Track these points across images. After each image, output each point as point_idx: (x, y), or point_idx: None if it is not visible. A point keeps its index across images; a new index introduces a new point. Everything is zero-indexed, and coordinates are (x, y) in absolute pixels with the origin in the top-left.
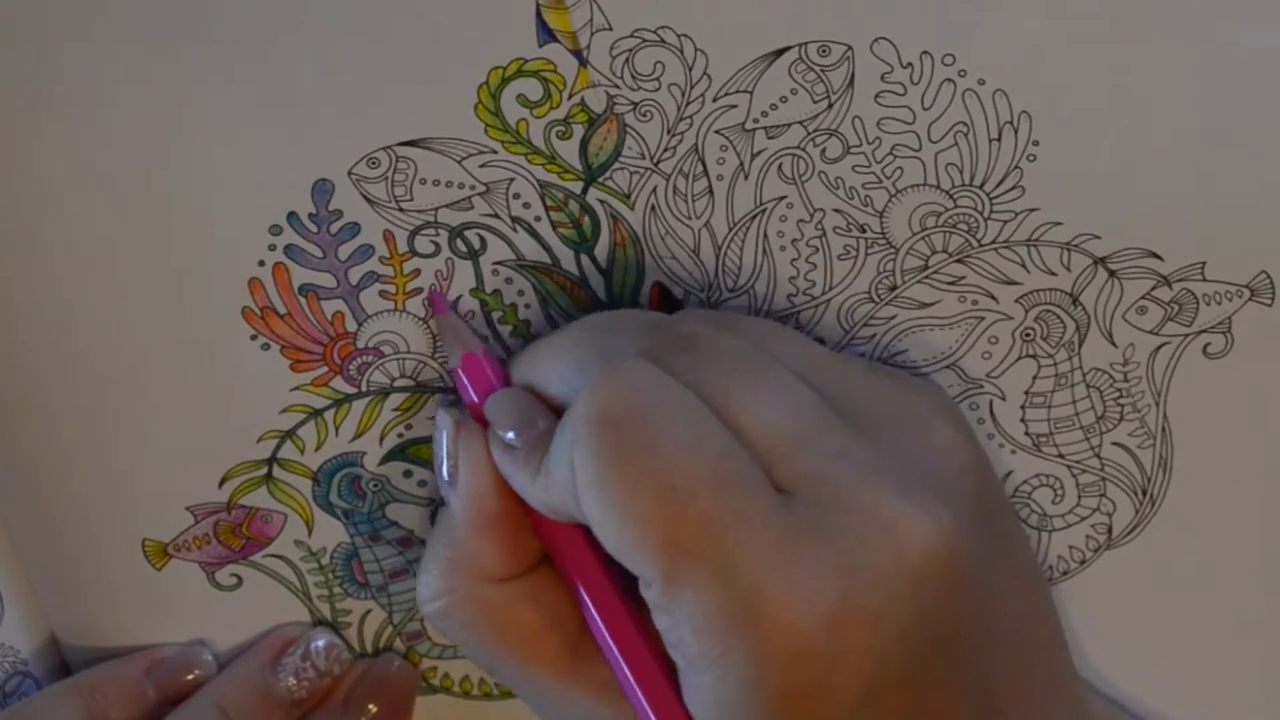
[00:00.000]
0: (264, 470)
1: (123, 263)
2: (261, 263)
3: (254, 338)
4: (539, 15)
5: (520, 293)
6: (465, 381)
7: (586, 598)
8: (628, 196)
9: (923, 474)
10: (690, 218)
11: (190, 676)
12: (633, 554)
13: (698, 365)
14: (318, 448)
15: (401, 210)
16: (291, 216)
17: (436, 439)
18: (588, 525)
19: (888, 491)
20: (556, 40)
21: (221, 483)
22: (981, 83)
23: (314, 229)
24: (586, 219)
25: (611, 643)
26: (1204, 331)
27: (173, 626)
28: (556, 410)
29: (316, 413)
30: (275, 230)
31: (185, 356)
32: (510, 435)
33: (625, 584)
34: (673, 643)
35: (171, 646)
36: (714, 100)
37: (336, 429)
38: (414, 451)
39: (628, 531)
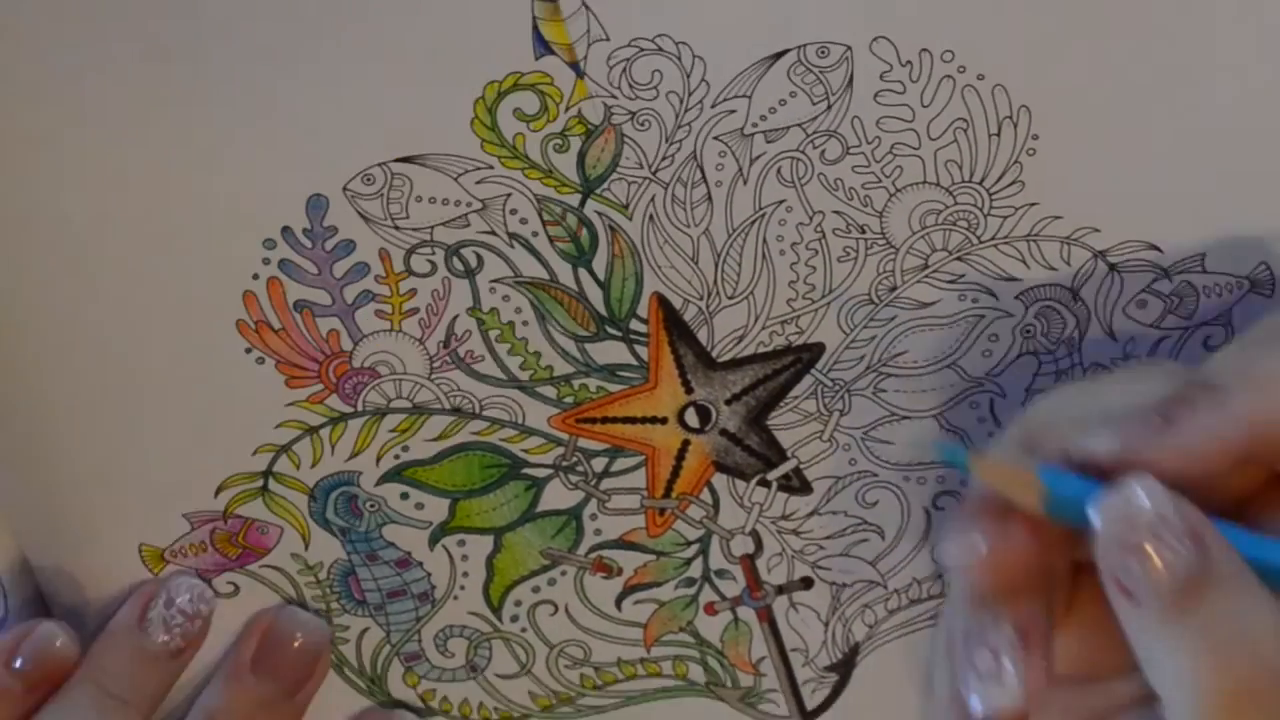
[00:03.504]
0: (259, 483)
1: (118, 272)
2: (256, 276)
3: (248, 351)
4: (535, 28)
5: (517, 310)
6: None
7: None
8: (626, 207)
9: None
10: (689, 225)
11: (54, 661)
12: None
13: None
14: (314, 464)
15: (397, 228)
16: (286, 231)
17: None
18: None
19: None
20: (553, 53)
21: (217, 492)
22: (981, 78)
23: (308, 244)
24: (584, 232)
25: None
26: (1204, 324)
27: None
28: None
29: (312, 430)
30: (269, 244)
31: (180, 366)
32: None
33: None
34: None
35: (20, 629)
36: (712, 106)
37: (333, 447)
38: (411, 474)
39: None
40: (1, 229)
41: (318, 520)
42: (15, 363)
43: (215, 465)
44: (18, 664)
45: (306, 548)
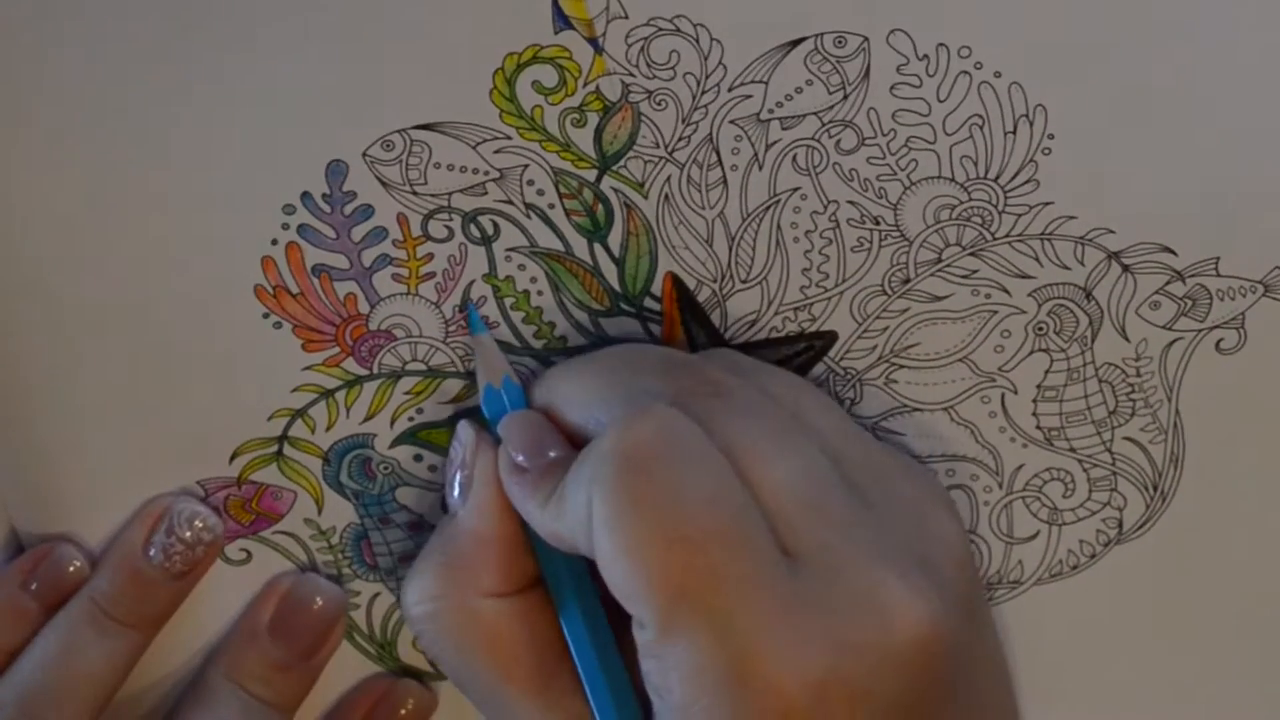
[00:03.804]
0: (274, 448)
1: (136, 239)
2: (274, 241)
3: (266, 316)
4: (555, 2)
5: (533, 279)
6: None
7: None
8: (641, 185)
9: (920, 559)
10: (704, 208)
11: (69, 583)
12: (635, 597)
13: (722, 416)
14: (329, 428)
15: (415, 194)
16: (305, 196)
17: (453, 449)
18: (591, 558)
19: (886, 571)
20: (572, 28)
21: (232, 458)
22: (998, 75)
23: (327, 209)
24: (600, 207)
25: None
26: (1217, 327)
27: None
28: (572, 437)
29: (328, 393)
30: (289, 209)
31: (197, 332)
32: (521, 458)
33: (615, 620)
34: (656, 686)
35: (37, 551)
36: (729, 90)
37: (347, 410)
38: (425, 436)
39: (635, 575)
40: (18, 195)
41: (331, 484)
42: (29, 330)
43: (231, 431)
44: (34, 586)
45: (319, 512)
